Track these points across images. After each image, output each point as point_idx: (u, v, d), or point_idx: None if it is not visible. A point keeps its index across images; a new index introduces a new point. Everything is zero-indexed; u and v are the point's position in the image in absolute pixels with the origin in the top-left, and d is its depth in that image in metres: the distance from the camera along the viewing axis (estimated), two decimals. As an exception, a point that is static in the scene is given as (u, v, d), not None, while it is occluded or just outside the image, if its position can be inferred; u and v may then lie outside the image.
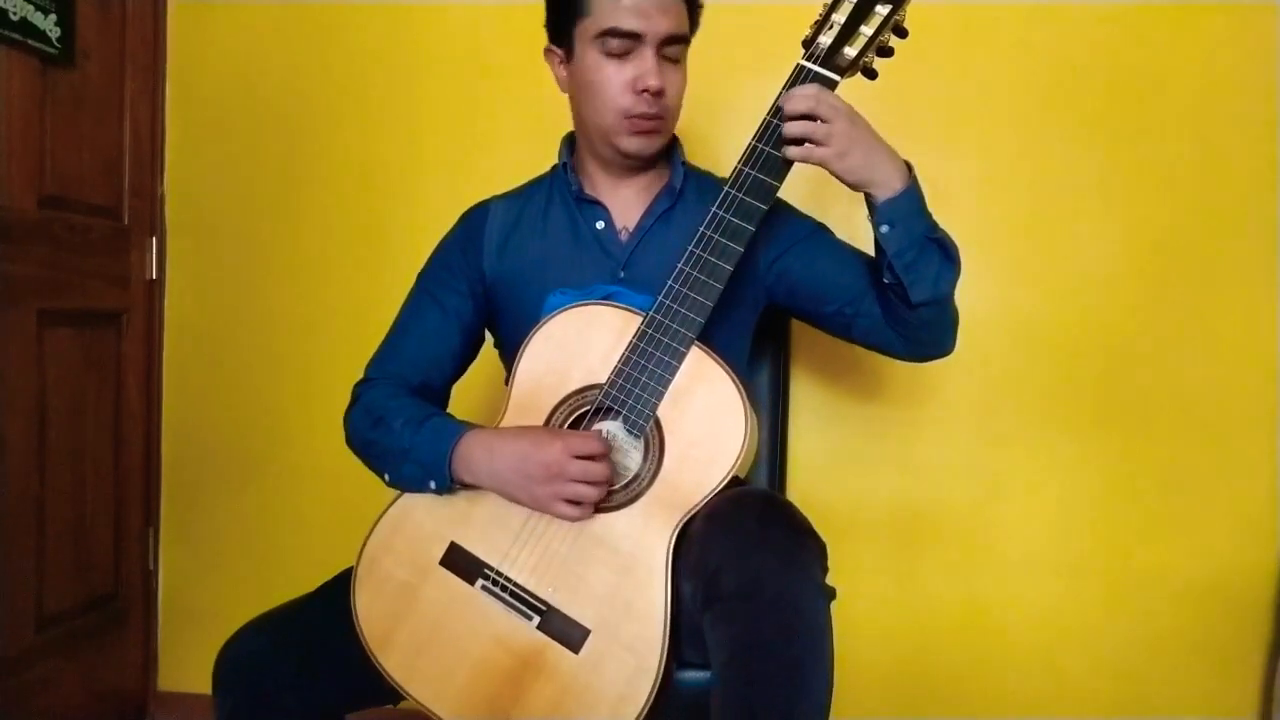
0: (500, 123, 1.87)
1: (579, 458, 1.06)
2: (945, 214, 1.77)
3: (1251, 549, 1.76)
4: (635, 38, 1.15)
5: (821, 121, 1.05)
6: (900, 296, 1.15)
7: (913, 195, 1.11)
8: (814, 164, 1.07)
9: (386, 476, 1.17)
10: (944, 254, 1.15)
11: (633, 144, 1.22)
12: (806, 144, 1.06)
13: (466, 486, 1.13)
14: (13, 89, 1.61)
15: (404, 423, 1.15)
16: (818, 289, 1.26)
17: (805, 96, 1.05)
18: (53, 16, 1.66)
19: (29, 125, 1.65)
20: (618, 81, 1.17)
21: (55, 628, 1.74)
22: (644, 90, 1.16)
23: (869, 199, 1.11)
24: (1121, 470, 1.78)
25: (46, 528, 1.71)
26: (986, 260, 1.79)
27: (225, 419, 1.99)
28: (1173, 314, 1.75)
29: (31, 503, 1.68)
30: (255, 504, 1.98)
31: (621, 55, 1.17)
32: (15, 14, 1.58)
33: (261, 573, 1.96)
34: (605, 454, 1.08)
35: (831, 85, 1.07)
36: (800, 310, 1.31)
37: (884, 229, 1.10)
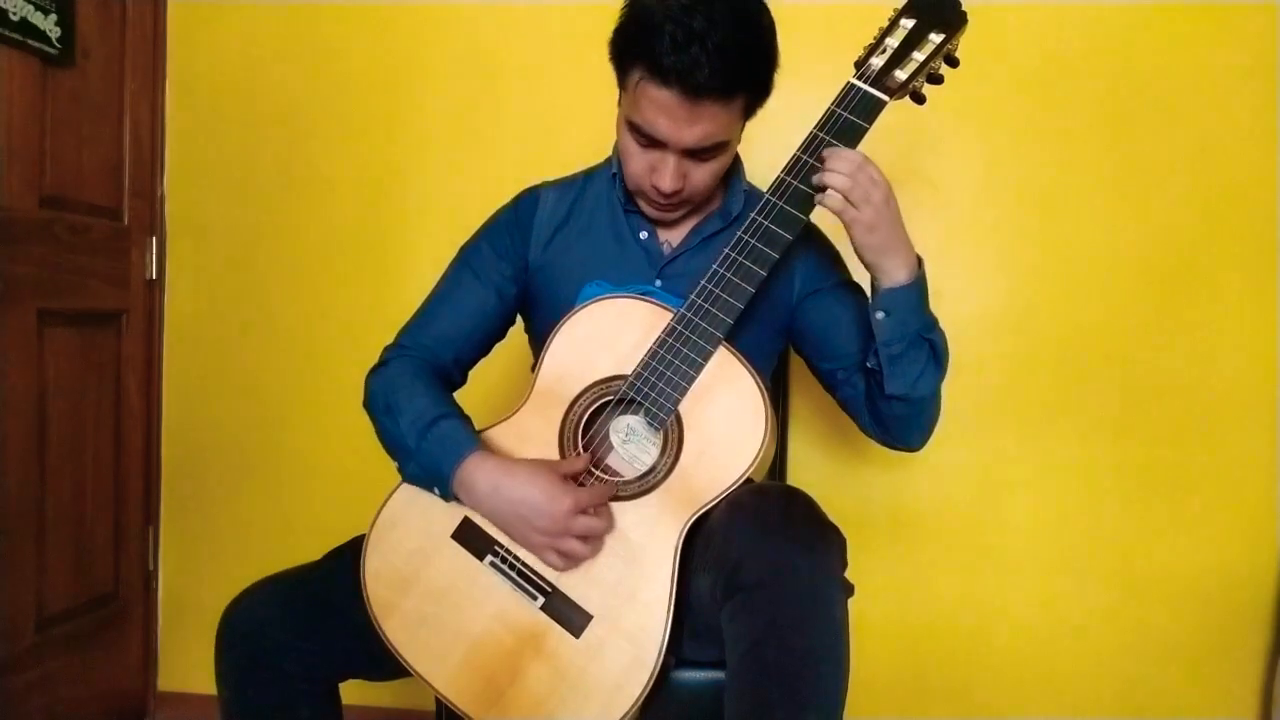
0: (500, 122, 1.87)
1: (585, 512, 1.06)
2: (946, 215, 1.80)
3: (1251, 549, 1.76)
4: (654, 140, 1.11)
5: (863, 188, 1.05)
6: (877, 383, 1.17)
7: (916, 290, 1.11)
8: (845, 220, 1.07)
9: (395, 465, 1.17)
10: (932, 355, 1.16)
11: (653, 213, 1.22)
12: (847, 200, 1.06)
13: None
14: (13, 89, 1.61)
15: (410, 422, 1.14)
16: (824, 342, 1.26)
17: (849, 160, 1.05)
18: (53, 16, 1.67)
19: (29, 125, 1.65)
20: (640, 163, 1.15)
21: (55, 628, 1.74)
22: (655, 188, 1.15)
23: (873, 282, 1.12)
24: (1122, 470, 1.78)
25: (46, 528, 1.71)
26: (987, 260, 1.79)
27: (225, 419, 1.99)
28: (1173, 314, 1.76)
29: (31, 503, 1.68)
30: (255, 504, 1.98)
31: (645, 146, 1.13)
32: (15, 14, 1.58)
33: (261, 572, 1.94)
34: (606, 505, 1.08)
35: (880, 105, 1.08)
36: (802, 353, 1.32)
37: (879, 315, 1.12)
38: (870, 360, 1.16)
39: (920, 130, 1.77)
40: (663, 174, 1.13)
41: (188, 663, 2.00)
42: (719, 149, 1.14)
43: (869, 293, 1.14)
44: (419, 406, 1.16)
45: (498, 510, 1.09)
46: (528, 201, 1.32)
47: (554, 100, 1.84)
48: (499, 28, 1.86)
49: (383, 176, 1.92)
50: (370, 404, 1.23)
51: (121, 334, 1.90)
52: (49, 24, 1.66)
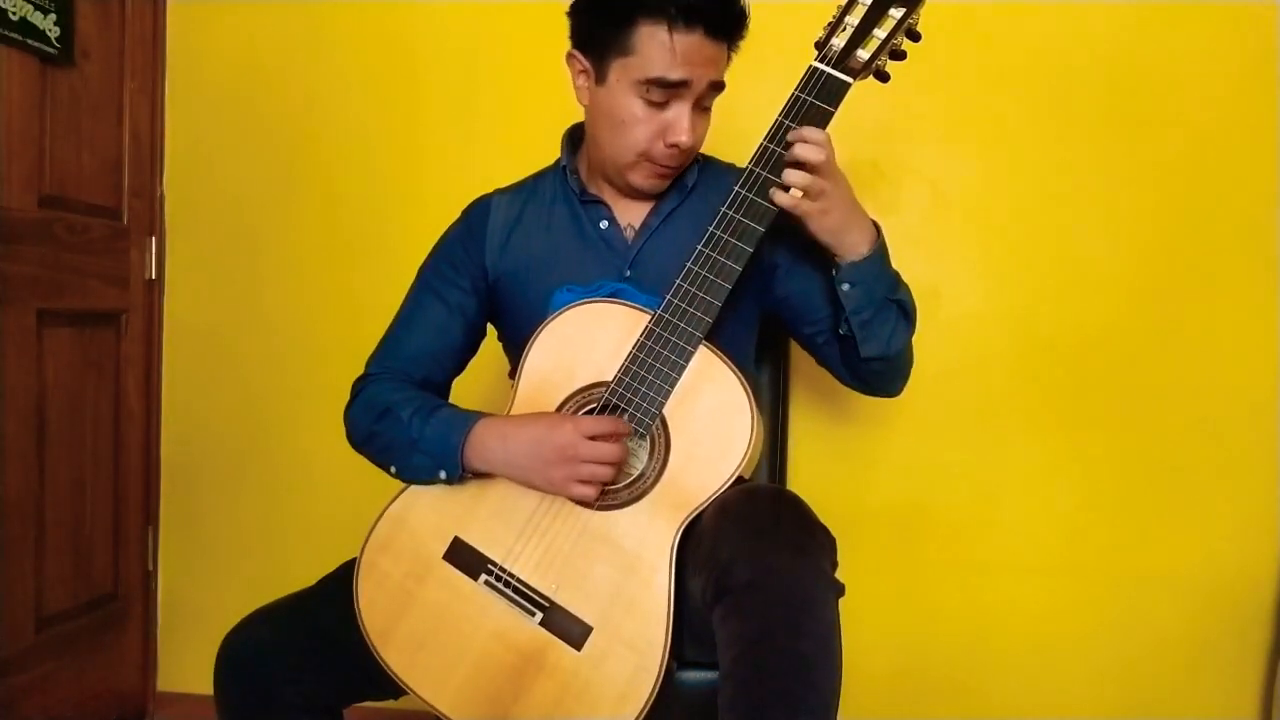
0: (500, 122, 1.87)
1: (592, 438, 1.06)
2: (945, 214, 1.79)
3: (1252, 549, 1.76)
4: (681, 85, 1.12)
5: (820, 181, 1.06)
6: (852, 348, 1.18)
7: (877, 260, 1.13)
8: (799, 213, 1.08)
9: (393, 469, 1.17)
10: (901, 313, 1.17)
11: (645, 184, 1.22)
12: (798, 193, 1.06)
13: (477, 475, 1.13)
14: (13, 89, 1.61)
15: (412, 413, 1.15)
16: (803, 307, 1.27)
17: (819, 147, 1.06)
18: (52, 16, 1.66)
19: (29, 125, 1.65)
20: (648, 127, 1.15)
21: (55, 628, 1.74)
22: (673, 144, 1.15)
23: (835, 258, 1.13)
24: (1122, 470, 1.78)
25: (46, 527, 1.71)
26: (987, 260, 1.79)
27: (225, 419, 1.99)
28: (1173, 313, 1.75)
29: (31, 503, 1.68)
30: (255, 504, 1.98)
31: (660, 103, 1.13)
32: (15, 14, 1.58)
33: (261, 572, 1.96)
34: (618, 434, 1.07)
35: (844, 87, 1.07)
36: (781, 319, 1.32)
37: (844, 287, 1.13)
38: (842, 328, 1.17)
39: (919, 129, 1.77)
40: (681, 127, 1.13)
41: (187, 663, 2.00)
42: (719, 91, 1.16)
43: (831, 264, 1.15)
44: (416, 403, 1.17)
45: (511, 460, 1.09)
46: (478, 211, 1.32)
47: (554, 99, 1.83)
48: (499, 27, 1.85)
49: (383, 175, 1.91)
50: (358, 428, 1.22)
51: (121, 334, 1.90)
52: (48, 24, 1.66)
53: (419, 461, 1.13)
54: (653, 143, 1.15)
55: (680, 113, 1.13)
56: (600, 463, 1.06)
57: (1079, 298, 1.77)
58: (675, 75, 1.10)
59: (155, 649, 2.02)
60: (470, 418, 1.13)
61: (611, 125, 1.17)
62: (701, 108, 1.17)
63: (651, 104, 1.13)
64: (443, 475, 1.12)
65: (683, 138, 1.13)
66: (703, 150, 1.30)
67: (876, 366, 1.20)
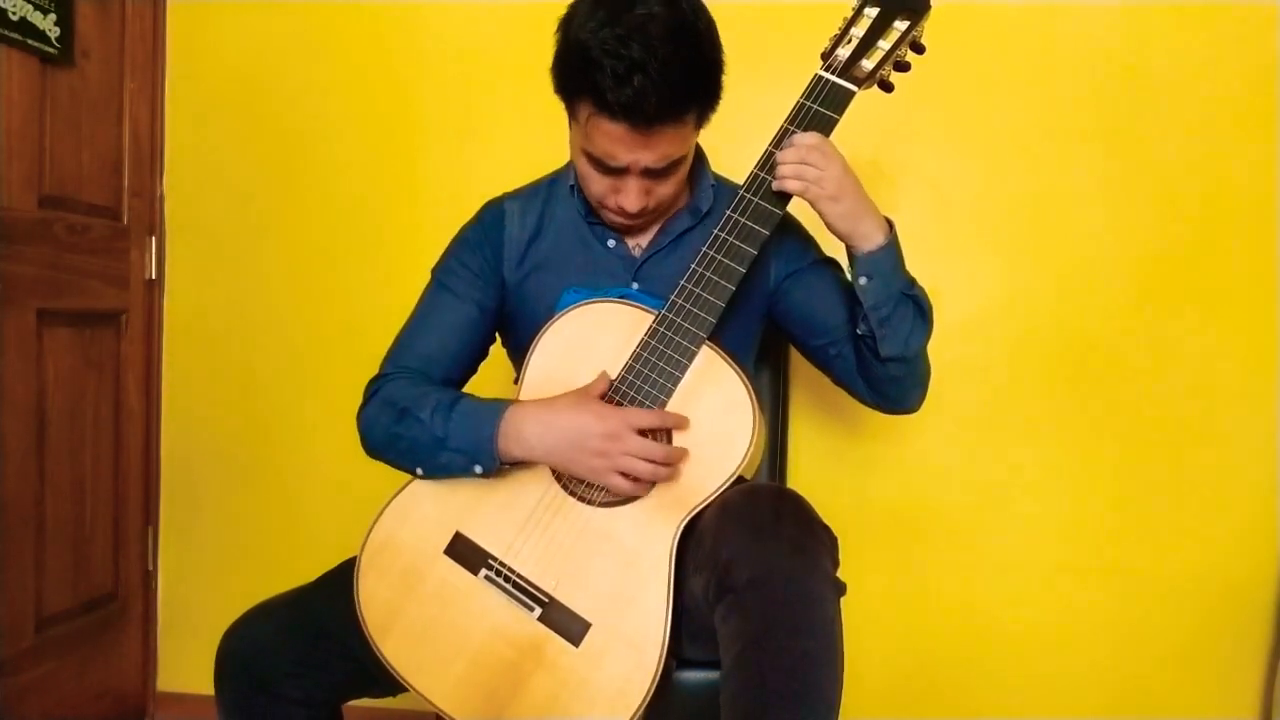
0: (500, 122, 1.87)
1: (640, 432, 1.06)
2: (947, 216, 1.80)
3: (1252, 550, 1.76)
4: (617, 169, 1.11)
5: (814, 167, 1.06)
6: (870, 349, 1.18)
7: (892, 251, 1.14)
8: (808, 199, 1.09)
9: (419, 470, 1.14)
10: (918, 311, 1.18)
11: (615, 227, 1.23)
12: (802, 180, 1.07)
13: (515, 465, 1.11)
14: (13, 89, 1.61)
15: (432, 411, 1.12)
16: (811, 320, 1.27)
17: (801, 145, 1.07)
18: (52, 16, 1.66)
19: (29, 125, 1.65)
20: (601, 185, 1.15)
21: (55, 628, 1.74)
22: (620, 209, 1.14)
23: (850, 251, 1.14)
24: (1122, 471, 1.78)
25: (46, 528, 1.71)
26: (987, 261, 1.79)
27: (225, 419, 1.99)
28: (1173, 314, 1.75)
29: (31, 503, 1.68)
30: (255, 504, 1.98)
31: (605, 172, 1.12)
32: (15, 14, 1.58)
33: (261, 573, 1.96)
34: (668, 426, 1.07)
35: (849, 95, 1.08)
36: (790, 333, 1.33)
37: (863, 281, 1.13)
38: (860, 327, 1.18)
39: (920, 131, 1.77)
40: (626, 196, 1.13)
41: (187, 663, 2.00)
42: (678, 163, 1.13)
43: (846, 263, 1.16)
44: (434, 399, 1.14)
45: (552, 447, 1.08)
46: (492, 217, 1.30)
47: (553, 100, 1.83)
48: (499, 26, 1.85)
49: (383, 175, 1.91)
50: (375, 431, 1.18)
51: (121, 334, 1.90)
52: (48, 24, 1.66)
53: (448, 459, 1.11)
54: (606, 198, 1.16)
55: (624, 183, 1.13)
56: (645, 460, 1.05)
57: (1079, 298, 1.77)
58: (605, 160, 1.10)
59: (155, 649, 2.02)
60: (497, 407, 1.11)
61: (578, 176, 1.19)
62: (658, 176, 1.13)
63: (598, 170, 1.13)
64: (478, 470, 1.10)
65: (628, 205, 1.13)
66: (710, 163, 1.31)
67: (894, 369, 1.20)
